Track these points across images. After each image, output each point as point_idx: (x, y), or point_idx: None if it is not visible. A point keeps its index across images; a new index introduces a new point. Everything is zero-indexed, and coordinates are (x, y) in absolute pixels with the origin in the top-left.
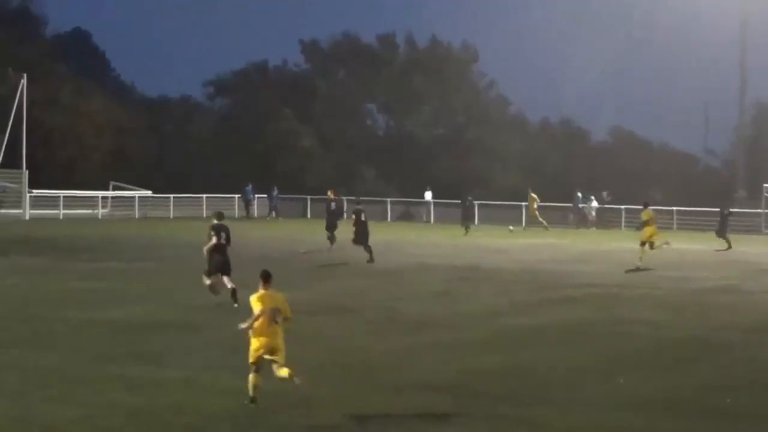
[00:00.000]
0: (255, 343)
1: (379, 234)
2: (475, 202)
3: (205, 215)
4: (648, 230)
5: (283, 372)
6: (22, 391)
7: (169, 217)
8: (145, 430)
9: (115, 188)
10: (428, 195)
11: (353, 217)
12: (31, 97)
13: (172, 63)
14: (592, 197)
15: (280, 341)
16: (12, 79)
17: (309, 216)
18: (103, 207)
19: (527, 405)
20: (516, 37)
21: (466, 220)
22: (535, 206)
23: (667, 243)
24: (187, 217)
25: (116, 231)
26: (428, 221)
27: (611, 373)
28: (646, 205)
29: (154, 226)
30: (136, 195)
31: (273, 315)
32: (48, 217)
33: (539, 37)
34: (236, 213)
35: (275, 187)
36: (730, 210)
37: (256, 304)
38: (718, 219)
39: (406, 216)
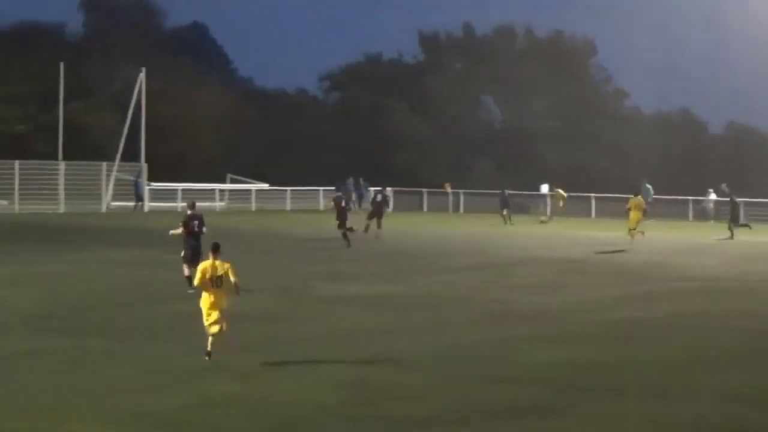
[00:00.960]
0: (207, 309)
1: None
2: (593, 195)
3: (322, 207)
4: (633, 216)
5: (215, 329)
6: (135, 381)
7: (285, 210)
8: (253, 420)
9: (232, 181)
10: (544, 188)
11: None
12: (150, 91)
13: (288, 56)
14: (711, 190)
15: (223, 303)
16: (131, 73)
17: (425, 209)
18: (221, 200)
19: (633, 398)
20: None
21: (504, 208)
22: (561, 204)
23: (641, 233)
24: (302, 209)
25: (232, 223)
26: (544, 214)
27: (719, 366)
28: (635, 194)
29: (269, 219)
30: (253, 188)
31: (217, 282)
32: (166, 210)
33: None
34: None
35: (353, 179)
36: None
37: (200, 271)
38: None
39: (522, 208)
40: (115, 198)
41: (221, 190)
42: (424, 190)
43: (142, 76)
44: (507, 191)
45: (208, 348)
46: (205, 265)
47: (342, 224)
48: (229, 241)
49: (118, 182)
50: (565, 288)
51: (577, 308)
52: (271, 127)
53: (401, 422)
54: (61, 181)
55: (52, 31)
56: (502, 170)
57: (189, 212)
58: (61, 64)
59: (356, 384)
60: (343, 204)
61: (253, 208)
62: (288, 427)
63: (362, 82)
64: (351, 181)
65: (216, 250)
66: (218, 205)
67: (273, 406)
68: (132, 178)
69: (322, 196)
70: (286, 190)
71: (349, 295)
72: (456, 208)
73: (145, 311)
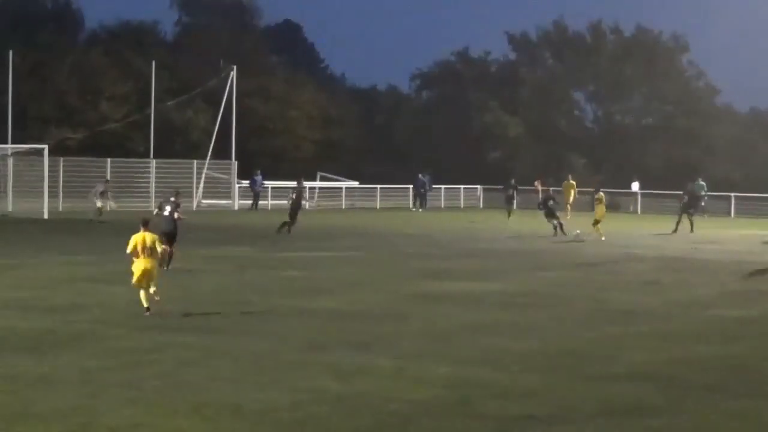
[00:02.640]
0: (137, 271)
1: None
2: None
3: (411, 206)
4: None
5: (151, 291)
6: (235, 378)
7: (375, 208)
8: (353, 417)
9: (322, 179)
10: (635, 186)
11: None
12: (242, 89)
13: (380, 54)
14: None
15: (154, 269)
16: (223, 71)
17: (515, 206)
18: (311, 197)
19: (738, 397)
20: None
21: (509, 204)
22: (572, 196)
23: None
24: (393, 207)
25: (323, 221)
26: (634, 210)
27: None
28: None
29: (360, 217)
30: (344, 185)
31: (147, 252)
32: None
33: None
34: (442, 203)
35: (423, 174)
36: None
37: (132, 240)
38: None
39: (613, 206)
40: (205, 196)
41: (311, 188)
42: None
43: (234, 73)
44: (514, 184)
45: (145, 305)
46: (137, 236)
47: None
48: (321, 238)
49: (209, 180)
50: (666, 285)
51: (680, 305)
52: (363, 125)
53: (503, 420)
54: (153, 179)
55: (147, 30)
56: (594, 168)
57: (171, 198)
58: (153, 63)
59: (456, 382)
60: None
61: (343, 206)
62: (386, 424)
63: (453, 80)
64: (427, 177)
65: (145, 224)
66: (309, 202)
67: (371, 404)
68: (223, 176)
69: (411, 194)
70: (375, 188)
71: (447, 293)
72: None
73: (244, 308)
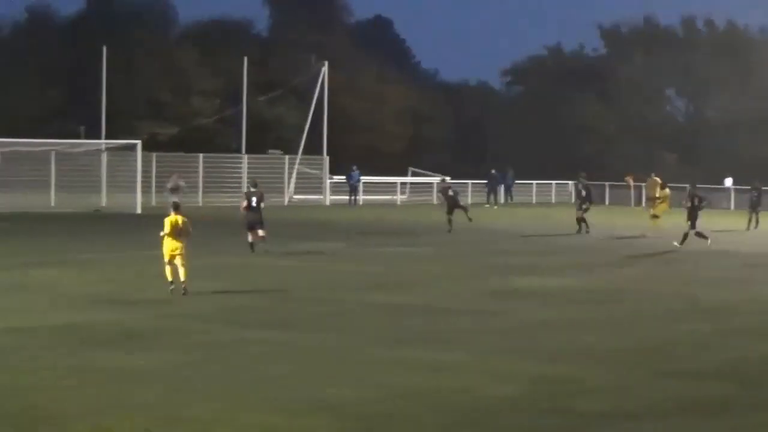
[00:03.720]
0: (167, 249)
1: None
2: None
3: (486, 203)
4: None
5: (169, 268)
6: (318, 373)
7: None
8: (439, 413)
9: (413, 174)
10: (728, 182)
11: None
12: (334, 84)
13: (470, 50)
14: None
15: (182, 248)
16: (314, 66)
17: (607, 202)
18: (402, 193)
19: None
20: None
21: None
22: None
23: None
24: (482, 203)
25: (412, 216)
26: (727, 207)
27: None
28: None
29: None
30: (434, 181)
31: (178, 232)
32: (346, 203)
33: None
34: (533, 199)
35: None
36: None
37: (166, 222)
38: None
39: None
40: (297, 191)
41: (402, 183)
42: (606, 183)
43: (325, 69)
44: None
45: (170, 279)
46: (170, 219)
47: (449, 212)
48: (409, 233)
49: (301, 176)
50: (753, 282)
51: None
52: (453, 120)
53: (586, 416)
54: (244, 174)
55: (238, 26)
56: (687, 163)
57: (251, 189)
58: (245, 59)
59: (540, 378)
60: (451, 193)
61: (434, 201)
62: (473, 420)
63: (544, 74)
64: (508, 173)
65: (177, 208)
66: (399, 198)
67: (456, 400)
68: (315, 172)
69: (503, 190)
70: (466, 183)
71: (529, 288)
72: (638, 202)
73: (328, 303)
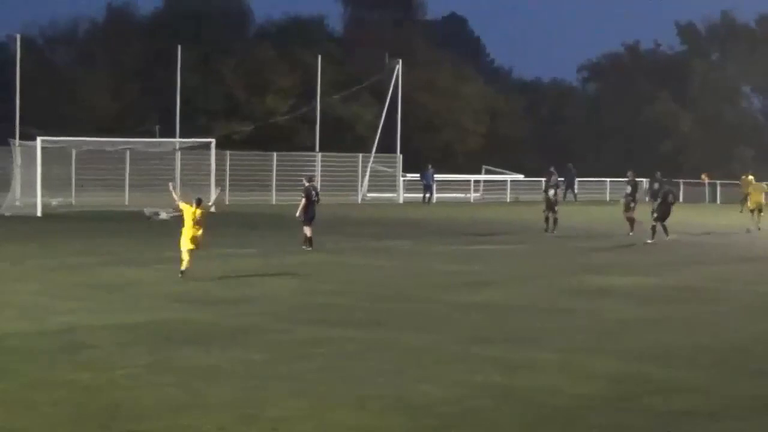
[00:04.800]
0: (187, 236)
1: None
2: None
3: (576, 200)
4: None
5: (188, 256)
6: (397, 371)
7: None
8: (516, 412)
9: (487, 172)
10: None
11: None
12: (408, 82)
13: (545, 47)
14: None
15: (201, 236)
16: (389, 64)
17: (681, 200)
18: (476, 191)
19: None
20: None
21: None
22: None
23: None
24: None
25: (487, 214)
26: None
27: None
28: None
29: (524, 210)
30: (508, 179)
31: (197, 221)
32: (419, 201)
33: None
34: (607, 196)
35: (429, 166)
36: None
37: (186, 209)
38: None
39: None
40: (371, 189)
41: (476, 181)
42: (680, 180)
43: (399, 67)
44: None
45: (182, 268)
46: (190, 209)
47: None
48: (485, 231)
49: (374, 174)
50: None
51: None
52: (529, 117)
53: (666, 415)
54: (318, 172)
55: (314, 24)
56: (764, 160)
57: (308, 183)
58: (319, 57)
59: (621, 376)
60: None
61: (508, 199)
62: (551, 419)
63: (621, 71)
64: (571, 167)
65: (199, 202)
66: (473, 196)
67: (535, 398)
68: (388, 170)
69: (576, 187)
70: (539, 181)
71: (610, 287)
72: (713, 199)
73: (406, 301)
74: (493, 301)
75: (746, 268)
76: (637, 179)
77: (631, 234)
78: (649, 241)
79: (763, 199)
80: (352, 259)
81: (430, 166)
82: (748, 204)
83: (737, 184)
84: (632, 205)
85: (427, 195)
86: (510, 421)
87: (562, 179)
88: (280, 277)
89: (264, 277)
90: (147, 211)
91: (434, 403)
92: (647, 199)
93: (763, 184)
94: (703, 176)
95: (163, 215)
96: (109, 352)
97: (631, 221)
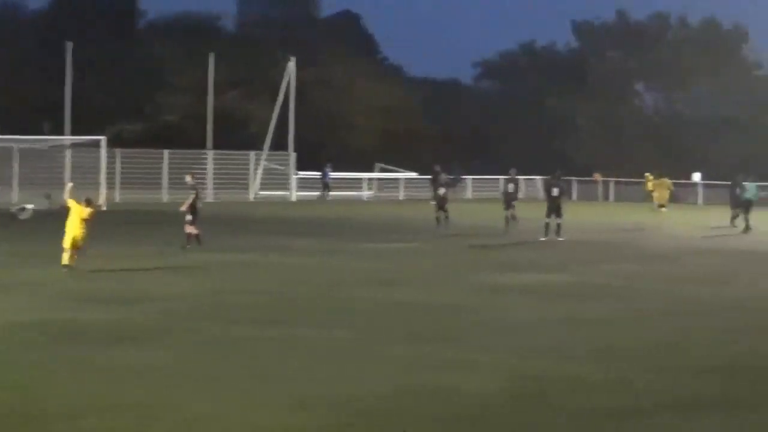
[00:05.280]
0: (70, 235)
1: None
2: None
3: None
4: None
5: (69, 253)
6: (316, 370)
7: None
8: (424, 409)
9: (381, 170)
10: (696, 176)
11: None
12: (302, 79)
13: (439, 45)
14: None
15: (83, 236)
16: (282, 62)
17: (574, 197)
18: (369, 189)
19: None
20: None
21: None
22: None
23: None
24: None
25: (381, 213)
26: (694, 201)
27: None
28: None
29: (418, 208)
30: (401, 177)
31: (83, 222)
32: (313, 199)
33: None
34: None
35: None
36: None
37: (74, 207)
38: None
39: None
40: (263, 187)
41: (369, 180)
42: (573, 178)
43: (292, 65)
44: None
45: (64, 262)
46: (77, 207)
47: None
48: (384, 229)
49: (267, 171)
50: (740, 279)
51: (754, 300)
52: (423, 115)
53: (577, 413)
54: (210, 170)
55: (206, 22)
56: (658, 160)
57: (192, 181)
58: (211, 55)
59: (530, 374)
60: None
61: (401, 197)
62: (463, 416)
63: (516, 69)
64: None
65: (89, 202)
66: (366, 194)
67: (446, 396)
68: (281, 168)
69: (471, 186)
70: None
71: (515, 285)
72: (605, 197)
73: (322, 300)
74: (408, 300)
75: (648, 267)
76: (518, 177)
77: (506, 232)
78: (542, 239)
79: (667, 195)
80: (252, 257)
81: (328, 164)
82: (655, 201)
83: (633, 182)
84: (513, 203)
85: (325, 193)
86: (426, 419)
87: (452, 177)
88: (178, 276)
89: (162, 276)
90: (14, 208)
91: (351, 400)
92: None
93: (667, 180)
94: (595, 175)
95: (29, 208)
96: (18, 350)
97: (508, 219)
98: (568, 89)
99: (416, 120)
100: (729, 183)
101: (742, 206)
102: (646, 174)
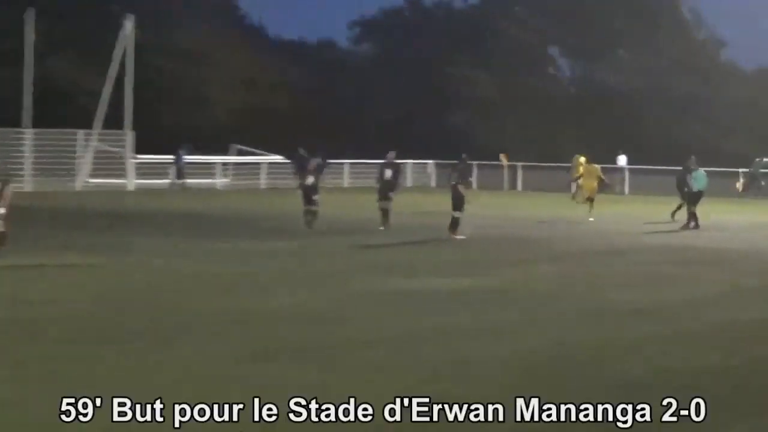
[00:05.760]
0: None
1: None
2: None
3: (346, 185)
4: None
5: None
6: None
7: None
8: None
9: (239, 153)
10: (622, 160)
11: None
12: (143, 44)
13: (307, 2)
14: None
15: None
16: (119, 21)
17: (475, 185)
18: (223, 175)
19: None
20: None
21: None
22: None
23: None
24: (334, 186)
25: (242, 204)
26: (621, 192)
27: None
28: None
29: (283, 199)
30: (264, 161)
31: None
32: (156, 188)
33: None
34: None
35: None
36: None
37: None
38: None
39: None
40: (94, 174)
41: (224, 164)
42: (474, 162)
43: (130, 24)
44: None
45: None
46: None
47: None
48: (245, 225)
49: (99, 154)
50: (672, 280)
51: (685, 305)
52: (291, 86)
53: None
54: (28, 153)
55: None
56: (578, 139)
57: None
58: (29, 11)
59: (415, 393)
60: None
61: (263, 185)
62: None
63: (403, 30)
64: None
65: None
66: (220, 182)
67: (325, 422)
68: (116, 149)
69: (348, 172)
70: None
71: (403, 290)
72: (512, 185)
73: (166, 311)
74: (265, 309)
75: (567, 267)
76: (398, 161)
77: (382, 228)
78: (457, 237)
79: (595, 186)
80: (78, 259)
81: (184, 147)
82: (583, 191)
83: (546, 167)
84: (390, 194)
85: (180, 180)
86: None
87: (320, 162)
88: None
89: None
90: None
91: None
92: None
93: (596, 167)
94: (501, 157)
95: None
96: None
97: (385, 213)
98: (467, 54)
99: (281, 92)
100: (679, 168)
101: (693, 198)
102: (578, 157)
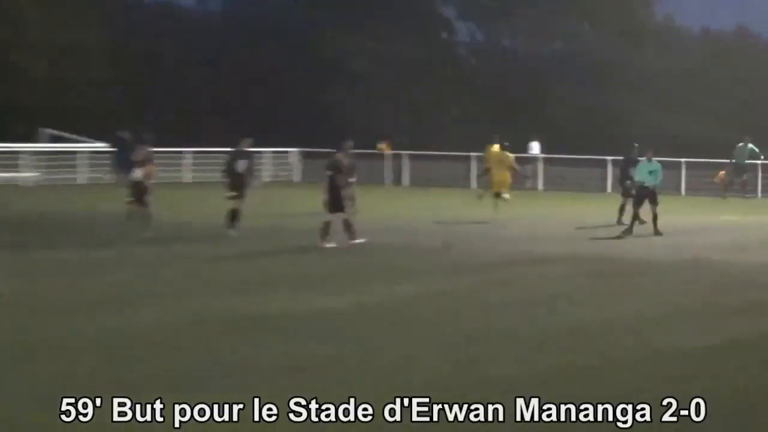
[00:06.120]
0: None
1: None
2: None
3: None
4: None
5: None
6: None
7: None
8: None
9: (51, 139)
10: (535, 147)
11: None
12: None
13: None
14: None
15: None
16: None
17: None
18: (30, 168)
19: None
20: None
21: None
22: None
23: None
24: (171, 182)
25: (54, 203)
26: (533, 187)
27: None
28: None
29: (112, 196)
30: (84, 149)
31: None
32: None
33: None
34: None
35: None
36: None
37: None
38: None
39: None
40: None
41: (33, 154)
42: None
43: None
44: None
45: None
46: None
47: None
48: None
49: None
50: (590, 298)
51: (608, 329)
52: (118, 55)
53: None
54: None
55: None
56: (474, 122)
57: None
58: None
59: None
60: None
61: (81, 180)
62: None
63: None
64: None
65: None
66: (28, 175)
67: None
68: None
69: (192, 161)
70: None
71: (258, 313)
72: (397, 179)
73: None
74: (91, 335)
75: (473, 282)
76: (251, 150)
77: (232, 232)
78: (358, 241)
79: (508, 179)
80: None
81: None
82: (492, 185)
83: (441, 156)
84: (244, 191)
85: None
86: None
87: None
88: None
89: None
90: None
91: None
92: None
93: (509, 155)
94: (380, 146)
95: None
96: None
97: (235, 213)
98: (339, 14)
99: (105, 63)
100: (621, 158)
101: (639, 196)
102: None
